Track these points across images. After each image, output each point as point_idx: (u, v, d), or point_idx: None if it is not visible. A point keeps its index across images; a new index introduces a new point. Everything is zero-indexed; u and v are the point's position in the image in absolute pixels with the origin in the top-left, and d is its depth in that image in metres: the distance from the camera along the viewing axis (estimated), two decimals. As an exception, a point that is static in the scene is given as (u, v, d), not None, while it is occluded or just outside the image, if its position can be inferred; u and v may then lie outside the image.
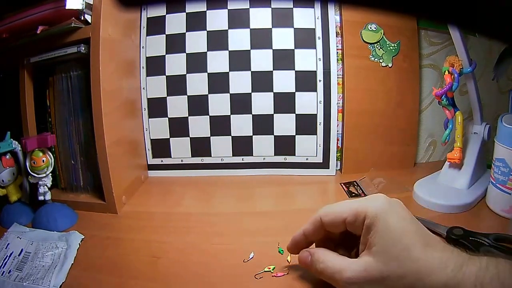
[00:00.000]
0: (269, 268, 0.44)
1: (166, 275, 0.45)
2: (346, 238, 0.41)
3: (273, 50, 0.76)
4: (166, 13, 0.77)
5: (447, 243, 0.36)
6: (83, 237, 0.53)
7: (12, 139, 0.60)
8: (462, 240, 0.48)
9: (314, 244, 0.43)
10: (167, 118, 0.79)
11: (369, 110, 0.77)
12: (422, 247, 0.34)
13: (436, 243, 0.35)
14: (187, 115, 0.79)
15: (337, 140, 0.78)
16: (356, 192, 0.68)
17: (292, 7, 0.76)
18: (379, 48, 0.76)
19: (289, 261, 0.46)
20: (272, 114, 0.78)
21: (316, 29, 0.76)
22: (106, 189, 0.62)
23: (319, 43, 0.76)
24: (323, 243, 0.42)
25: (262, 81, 0.76)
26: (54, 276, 0.44)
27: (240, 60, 0.76)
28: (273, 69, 0.76)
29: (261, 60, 0.76)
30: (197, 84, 0.77)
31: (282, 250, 0.48)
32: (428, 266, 0.32)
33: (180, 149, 0.81)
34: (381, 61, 0.76)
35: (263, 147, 0.79)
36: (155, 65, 0.78)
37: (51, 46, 0.61)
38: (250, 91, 0.77)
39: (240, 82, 0.77)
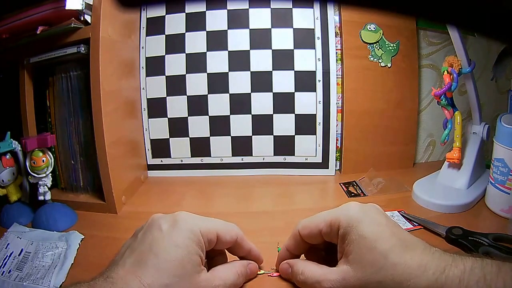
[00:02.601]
0: (259, 271, 0.44)
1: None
2: (332, 246, 0.40)
3: (272, 50, 0.76)
4: (166, 14, 0.78)
5: (428, 245, 0.34)
6: (83, 237, 0.53)
7: (12, 139, 0.60)
8: (461, 240, 0.48)
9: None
10: (166, 118, 0.79)
11: (368, 110, 0.77)
12: (399, 251, 0.33)
13: (416, 245, 0.34)
14: (187, 115, 0.79)
15: (337, 140, 0.78)
16: (356, 192, 0.68)
17: (291, 7, 0.76)
18: (378, 48, 0.76)
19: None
20: (272, 114, 0.78)
21: (315, 29, 0.76)
22: (106, 189, 0.62)
23: (318, 43, 0.76)
24: (312, 253, 0.43)
25: (261, 81, 0.77)
26: (54, 276, 0.44)
27: (239, 60, 0.76)
28: (273, 69, 0.76)
29: (261, 60, 0.76)
30: (196, 84, 0.78)
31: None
32: (407, 270, 0.32)
33: (180, 149, 0.81)
34: (380, 61, 0.76)
35: (263, 147, 0.79)
36: (155, 65, 0.78)
37: (51, 46, 0.61)
38: (250, 91, 0.77)
39: (239, 82, 0.77)
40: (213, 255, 0.41)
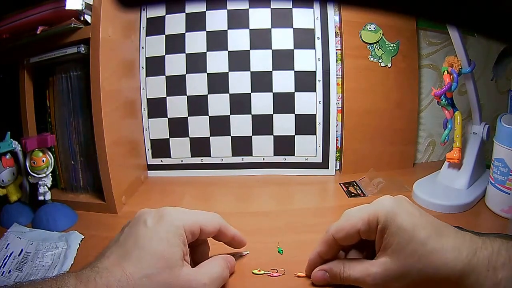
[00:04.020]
0: (259, 271, 0.44)
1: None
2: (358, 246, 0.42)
3: (272, 50, 0.76)
4: (166, 14, 0.78)
5: (460, 230, 0.36)
6: (83, 237, 0.53)
7: (12, 139, 0.60)
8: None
9: None
10: (166, 118, 0.79)
11: (368, 110, 0.77)
12: (436, 238, 0.35)
13: (449, 231, 0.36)
14: (187, 115, 0.79)
15: (337, 140, 0.78)
16: (356, 192, 0.68)
17: (291, 7, 0.76)
18: (378, 48, 0.76)
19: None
20: (272, 114, 0.78)
21: (315, 29, 0.76)
22: (106, 189, 0.62)
23: (318, 43, 0.76)
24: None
25: (261, 81, 0.77)
26: (54, 276, 0.44)
27: (239, 60, 0.76)
28: (273, 69, 0.76)
29: (261, 60, 0.76)
30: (196, 84, 0.78)
31: (281, 250, 0.48)
32: (444, 255, 0.34)
33: (180, 149, 0.81)
34: (380, 61, 0.76)
35: (263, 147, 0.79)
36: (155, 65, 0.78)
37: (51, 46, 0.61)
38: (250, 91, 0.77)
39: (239, 82, 0.77)
40: (196, 244, 0.42)
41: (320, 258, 0.42)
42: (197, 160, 0.81)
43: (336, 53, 0.76)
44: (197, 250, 0.43)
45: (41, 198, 0.59)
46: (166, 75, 0.78)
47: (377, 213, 0.37)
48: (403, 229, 0.35)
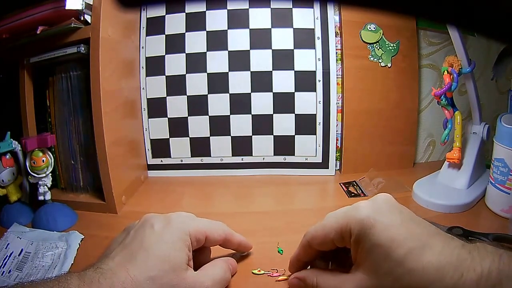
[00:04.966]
0: (259, 271, 0.44)
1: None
2: (339, 251, 0.39)
3: (272, 50, 0.76)
4: (166, 13, 0.78)
5: (449, 239, 0.32)
6: (83, 237, 0.53)
7: (12, 139, 0.60)
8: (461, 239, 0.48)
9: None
10: (166, 118, 0.79)
11: (368, 110, 0.77)
12: (416, 256, 0.31)
13: (434, 244, 0.32)
14: (187, 115, 0.79)
15: (337, 140, 0.78)
16: (356, 192, 0.68)
17: (291, 7, 0.76)
18: (378, 48, 0.76)
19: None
20: (272, 114, 0.78)
21: (315, 29, 0.76)
22: (106, 189, 0.62)
23: (318, 43, 0.76)
24: (318, 258, 0.42)
25: (261, 81, 0.77)
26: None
27: (239, 60, 0.76)
28: (273, 69, 0.76)
29: (261, 60, 0.76)
30: (196, 84, 0.78)
31: (281, 250, 0.48)
32: (424, 277, 0.30)
33: (180, 149, 0.81)
34: (380, 61, 0.76)
35: (263, 147, 0.79)
36: (155, 65, 0.78)
37: (51, 46, 0.61)
38: (250, 91, 0.77)
39: (239, 82, 0.77)
40: (198, 250, 0.42)
41: (298, 261, 0.41)
42: (197, 160, 0.81)
43: (336, 53, 0.76)
44: (199, 254, 0.43)
45: (41, 198, 0.59)
46: (166, 75, 0.78)
47: (349, 223, 0.34)
48: (377, 245, 0.32)
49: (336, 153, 0.78)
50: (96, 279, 0.31)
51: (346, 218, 0.35)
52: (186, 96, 0.78)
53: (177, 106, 0.79)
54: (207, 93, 0.78)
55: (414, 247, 0.31)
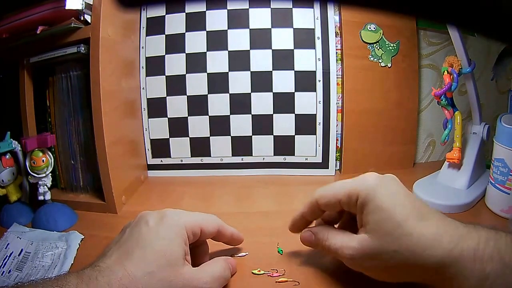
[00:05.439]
0: (259, 271, 0.44)
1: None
2: (345, 214, 0.43)
3: (272, 50, 0.76)
4: (166, 13, 0.78)
5: (444, 215, 0.35)
6: (83, 237, 0.53)
7: (12, 139, 0.60)
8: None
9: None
10: (166, 118, 0.79)
11: (368, 110, 0.77)
12: (415, 221, 0.33)
13: (432, 215, 0.35)
14: (187, 115, 0.79)
15: (337, 140, 0.78)
16: (356, 192, 0.68)
17: (291, 7, 0.76)
18: (378, 48, 0.76)
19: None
20: (272, 114, 0.78)
21: (315, 29, 0.76)
22: (106, 189, 0.62)
23: (318, 43, 0.76)
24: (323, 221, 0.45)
25: (261, 81, 0.77)
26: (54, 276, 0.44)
27: (239, 60, 0.76)
28: (273, 69, 0.76)
29: (261, 60, 0.76)
30: (196, 84, 0.78)
31: (281, 250, 0.48)
32: (422, 240, 0.32)
33: (180, 149, 0.81)
34: (380, 61, 0.76)
35: (263, 147, 0.79)
36: (155, 65, 0.78)
37: (51, 46, 0.61)
38: (250, 91, 0.77)
39: (239, 82, 0.77)
40: (196, 245, 0.43)
41: (303, 219, 0.43)
42: (197, 160, 0.81)
43: (336, 53, 0.76)
44: (197, 251, 0.43)
45: (41, 198, 0.59)
46: (166, 75, 0.78)
47: (357, 188, 0.37)
48: (381, 208, 0.35)
49: (336, 153, 0.78)
50: (93, 277, 0.31)
51: (355, 184, 0.38)
52: (186, 96, 0.78)
53: (177, 106, 0.79)
54: (207, 93, 0.78)
55: (413, 214, 0.34)
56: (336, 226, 0.44)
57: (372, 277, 0.37)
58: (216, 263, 0.41)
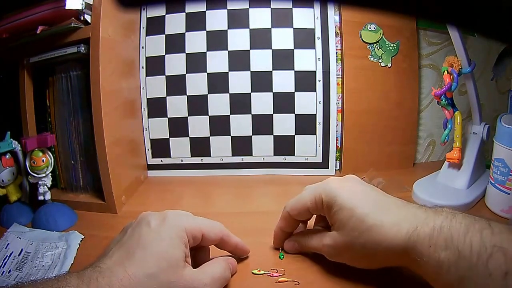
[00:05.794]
0: (259, 271, 0.44)
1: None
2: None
3: (272, 50, 0.76)
4: (166, 13, 0.78)
5: (407, 203, 0.39)
6: (83, 237, 0.53)
7: (12, 139, 0.60)
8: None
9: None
10: (166, 118, 0.79)
11: (368, 110, 0.77)
12: (375, 214, 0.37)
13: (390, 205, 0.38)
14: (187, 115, 0.79)
15: (337, 140, 0.78)
16: (356, 192, 0.68)
17: (291, 7, 0.76)
18: (378, 48, 0.76)
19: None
20: (272, 114, 0.78)
21: (315, 29, 0.76)
22: (106, 189, 0.62)
23: (318, 43, 0.76)
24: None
25: (261, 81, 0.77)
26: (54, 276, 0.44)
27: (239, 60, 0.76)
28: (273, 69, 0.76)
29: (261, 60, 0.76)
30: (196, 84, 0.78)
31: (282, 255, 0.47)
32: (383, 231, 0.36)
33: (180, 149, 0.81)
34: (380, 61, 0.76)
35: (263, 147, 0.79)
36: (155, 65, 0.78)
37: (51, 46, 0.61)
38: (250, 91, 0.77)
39: (239, 82, 0.77)
40: (197, 248, 0.43)
41: (282, 232, 0.48)
42: (197, 160, 0.81)
43: (336, 53, 0.76)
44: (198, 254, 0.43)
45: (41, 198, 0.59)
46: (166, 74, 0.78)
47: (321, 193, 0.41)
48: (344, 207, 0.39)
49: (336, 153, 0.78)
50: (94, 278, 0.31)
51: (317, 190, 0.42)
52: (186, 96, 0.78)
53: (177, 106, 0.79)
54: (207, 93, 0.78)
55: (373, 208, 0.38)
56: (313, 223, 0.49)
57: (354, 266, 0.40)
58: (216, 264, 0.41)
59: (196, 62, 0.77)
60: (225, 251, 0.45)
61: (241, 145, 0.79)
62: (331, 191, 0.41)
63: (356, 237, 0.38)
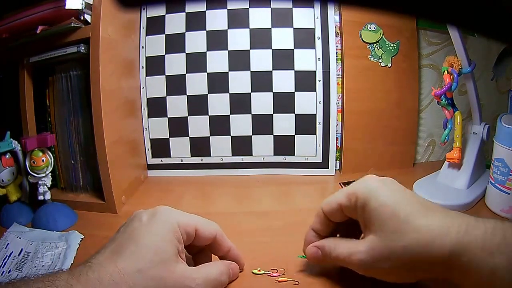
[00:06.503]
0: (259, 271, 0.44)
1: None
2: (351, 228, 0.41)
3: (272, 50, 0.76)
4: (166, 13, 0.78)
5: (449, 209, 0.35)
6: (83, 237, 0.53)
7: (12, 139, 0.60)
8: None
9: None
10: (166, 118, 0.79)
11: (368, 110, 0.77)
12: (420, 215, 0.33)
13: (436, 209, 0.34)
14: (187, 115, 0.79)
15: (337, 140, 0.78)
16: (356, 192, 0.68)
17: (291, 7, 0.76)
18: (378, 48, 0.76)
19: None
20: (272, 114, 0.78)
21: (315, 29, 0.76)
22: (106, 189, 0.62)
23: (318, 43, 0.76)
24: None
25: (261, 81, 0.77)
26: (54, 275, 0.44)
27: (239, 60, 0.76)
28: (273, 69, 0.76)
29: (261, 60, 0.76)
30: (196, 84, 0.78)
31: (302, 256, 0.45)
32: (430, 233, 0.32)
33: (180, 148, 0.81)
34: (380, 61, 0.76)
35: (263, 147, 0.79)
36: (155, 65, 0.78)
37: (51, 46, 0.61)
38: (250, 91, 0.77)
39: (239, 82, 0.77)
40: (196, 251, 0.42)
41: (314, 233, 0.42)
42: (197, 160, 0.81)
43: (336, 52, 0.76)
44: (199, 257, 0.42)
45: (41, 198, 0.59)
46: (166, 74, 0.78)
47: (356, 189, 0.37)
48: (384, 205, 0.34)
49: (336, 153, 0.78)
50: (84, 272, 0.31)
51: (354, 186, 0.38)
52: (186, 95, 0.78)
53: (177, 106, 0.79)
54: (207, 93, 0.78)
55: (417, 209, 0.34)
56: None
57: (388, 280, 0.35)
58: (213, 265, 0.40)
59: (196, 62, 0.77)
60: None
61: (241, 145, 0.79)
62: (367, 187, 0.37)
63: (397, 240, 0.33)
